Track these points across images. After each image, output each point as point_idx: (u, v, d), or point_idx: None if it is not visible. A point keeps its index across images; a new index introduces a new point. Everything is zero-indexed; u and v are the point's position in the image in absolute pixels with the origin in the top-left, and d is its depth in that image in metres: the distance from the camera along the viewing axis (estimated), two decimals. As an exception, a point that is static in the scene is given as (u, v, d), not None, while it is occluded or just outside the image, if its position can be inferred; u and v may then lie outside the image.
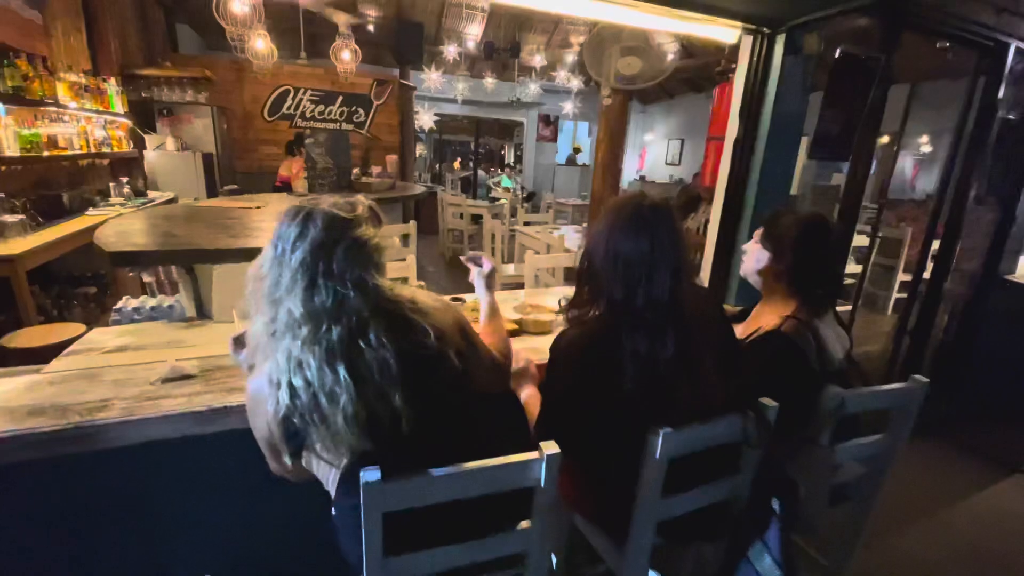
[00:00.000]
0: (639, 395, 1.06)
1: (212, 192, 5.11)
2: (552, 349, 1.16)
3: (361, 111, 6.88)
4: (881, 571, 1.90)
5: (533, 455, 0.94)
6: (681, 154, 10.26)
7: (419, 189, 4.54)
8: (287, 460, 0.93)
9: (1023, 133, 2.90)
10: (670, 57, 7.00)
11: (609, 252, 1.06)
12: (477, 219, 6.76)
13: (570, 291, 1.20)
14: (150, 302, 2.06)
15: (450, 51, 7.48)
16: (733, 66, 2.18)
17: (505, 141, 14.70)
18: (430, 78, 8.02)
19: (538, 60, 8.14)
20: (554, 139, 10.86)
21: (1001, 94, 2.66)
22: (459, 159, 14.26)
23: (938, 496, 2.36)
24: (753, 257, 1.45)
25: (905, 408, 1.40)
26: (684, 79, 9.25)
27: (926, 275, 3.04)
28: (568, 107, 8.97)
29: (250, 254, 1.65)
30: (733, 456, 1.16)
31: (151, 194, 4.55)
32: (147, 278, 2.49)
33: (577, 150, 11.62)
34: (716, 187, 2.20)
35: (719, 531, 1.18)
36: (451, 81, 8.19)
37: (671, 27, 1.90)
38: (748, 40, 1.95)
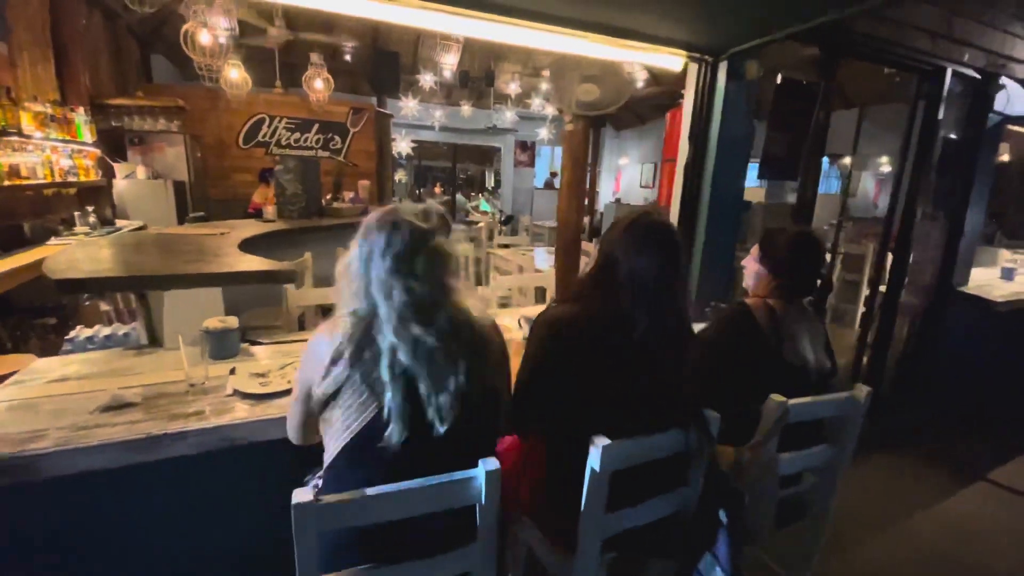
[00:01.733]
0: (605, 392, 1.11)
1: (183, 220, 5.07)
2: (539, 321, 1.21)
3: (337, 138, 6.94)
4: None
5: (472, 472, 0.94)
6: (655, 177, 10.51)
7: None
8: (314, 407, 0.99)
9: (965, 151, 3.06)
10: (639, 84, 7.23)
11: (622, 266, 1.13)
12: (454, 243, 6.81)
13: (532, 311, 1.24)
14: (104, 331, 2.02)
15: (426, 79, 7.64)
16: (683, 92, 2.28)
17: (484, 166, 14.93)
18: (407, 106, 8.16)
19: (512, 88, 8.36)
20: (531, 164, 11.05)
21: (941, 115, 2.81)
22: (439, 184, 14.39)
23: (905, 505, 2.39)
24: (749, 272, 1.59)
25: (850, 417, 1.44)
26: (655, 105, 9.55)
27: (883, 288, 3.15)
28: (544, 133, 9.17)
29: (200, 280, 1.65)
30: (679, 469, 1.17)
31: (120, 223, 4.49)
32: (105, 306, 2.45)
33: (555, 174, 11.83)
34: (671, 206, 2.27)
35: (669, 545, 1.18)
36: (428, 108, 8.33)
37: (621, 56, 1.99)
38: (694, 67, 2.04)
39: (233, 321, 1.59)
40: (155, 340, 1.72)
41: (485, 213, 8.97)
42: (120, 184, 4.84)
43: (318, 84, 4.62)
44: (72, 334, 2.00)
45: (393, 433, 0.91)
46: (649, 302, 1.11)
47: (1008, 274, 3.67)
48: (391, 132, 8.25)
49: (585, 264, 2.17)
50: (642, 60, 1.99)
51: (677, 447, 1.12)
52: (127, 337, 1.98)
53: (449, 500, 0.95)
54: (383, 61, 7.45)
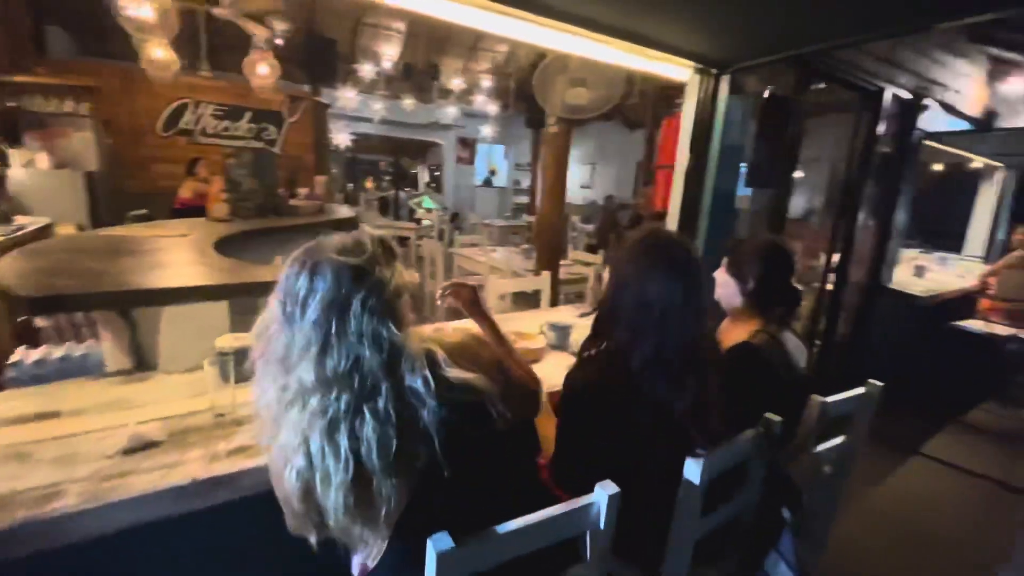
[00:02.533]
0: (653, 437, 1.07)
1: (96, 217, 4.45)
2: (567, 388, 1.14)
3: (272, 128, 6.43)
4: (836, 563, 2.08)
5: (590, 498, 0.91)
6: (592, 177, 10.86)
7: (348, 212, 4.33)
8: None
9: (894, 162, 3.45)
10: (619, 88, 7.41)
11: (641, 295, 1.06)
12: (403, 242, 6.59)
13: (549, 316, 1.18)
14: (56, 352, 1.72)
15: (365, 69, 7.30)
16: (678, 102, 2.37)
17: (418, 161, 14.56)
18: (345, 96, 7.76)
19: (456, 83, 8.23)
20: (472, 161, 10.96)
21: (881, 129, 3.15)
22: (371, 178, 13.84)
23: (857, 482, 2.66)
24: (720, 284, 1.55)
25: (865, 409, 1.57)
26: (594, 107, 9.85)
27: (829, 287, 3.48)
28: (487, 130, 9.12)
29: (207, 293, 1.46)
30: (741, 474, 1.22)
31: (19, 219, 3.84)
32: (43, 322, 2.08)
33: (493, 172, 11.83)
34: (669, 211, 2.35)
35: (736, 546, 1.23)
36: (367, 100, 7.97)
37: (632, 62, 2.01)
38: (696, 79, 2.13)
39: (246, 340, 1.42)
40: (143, 364, 1.49)
41: (430, 211, 8.76)
42: (17, 175, 4.14)
43: (262, 70, 4.23)
44: (15, 357, 1.68)
45: None
46: (674, 335, 1.05)
47: (920, 272, 4.21)
48: (328, 124, 7.80)
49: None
50: (650, 68, 2.03)
51: (750, 451, 1.16)
52: (85, 359, 1.70)
53: (571, 528, 0.91)
54: (319, 48, 7.01)
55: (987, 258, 5.38)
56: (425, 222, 7.03)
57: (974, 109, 3.87)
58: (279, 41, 6.93)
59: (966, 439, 3.25)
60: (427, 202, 9.25)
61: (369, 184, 13.39)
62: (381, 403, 0.76)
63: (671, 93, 6.07)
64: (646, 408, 1.05)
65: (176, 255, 1.92)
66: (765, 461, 1.21)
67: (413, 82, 7.90)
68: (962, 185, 6.07)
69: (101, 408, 1.24)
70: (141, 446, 1.08)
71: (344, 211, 4.42)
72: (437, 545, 0.75)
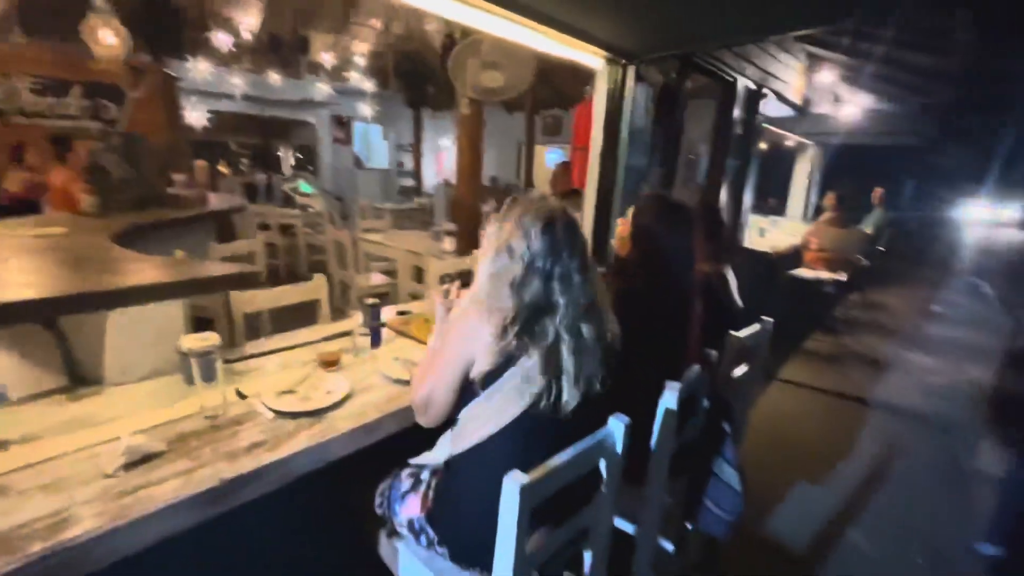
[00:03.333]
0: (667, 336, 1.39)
1: None
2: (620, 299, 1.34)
3: (111, 105, 5.48)
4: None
5: (611, 427, 1.09)
6: (476, 157, 11.00)
7: (235, 200, 3.94)
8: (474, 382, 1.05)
9: (744, 141, 4.13)
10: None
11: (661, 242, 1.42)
12: (286, 231, 6.13)
13: None
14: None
15: (221, 39, 6.51)
16: (588, 89, 2.60)
17: (282, 142, 13.33)
18: (197, 69, 6.85)
19: (327, 59, 7.70)
20: (349, 142, 10.39)
21: (736, 115, 3.75)
22: (223, 162, 12.36)
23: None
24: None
25: (763, 342, 1.98)
26: (473, 87, 9.92)
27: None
28: (365, 109, 8.71)
29: (155, 293, 1.34)
30: (693, 400, 1.50)
31: None
32: None
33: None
34: (587, 189, 2.60)
35: (696, 456, 1.52)
36: (226, 75, 7.11)
37: (550, 48, 2.16)
38: (607, 69, 2.36)
39: (215, 338, 1.33)
40: (79, 379, 1.31)
41: (307, 195, 8.16)
42: None
43: (108, 38, 3.58)
44: None
45: (567, 404, 1.03)
46: (684, 268, 1.39)
47: (762, 233, 5.11)
48: (179, 100, 6.82)
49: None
50: (565, 54, 2.21)
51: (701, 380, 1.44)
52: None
53: (598, 458, 1.07)
54: (161, 12, 6.06)
55: (806, 219, 6.66)
56: (313, 208, 6.57)
57: (796, 96, 4.74)
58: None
59: (808, 363, 4.10)
60: (304, 186, 8.59)
61: (223, 168, 11.97)
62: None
63: (551, 79, 6.40)
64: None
65: (81, 256, 1.66)
66: (709, 386, 1.51)
67: (280, 56, 7.22)
68: (782, 159, 7.40)
69: (60, 430, 1.09)
70: (141, 459, 1.00)
71: (235, 200, 4.02)
72: (513, 481, 0.86)
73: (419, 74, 9.22)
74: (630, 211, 1.78)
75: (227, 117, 9.05)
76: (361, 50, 7.90)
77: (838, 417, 3.27)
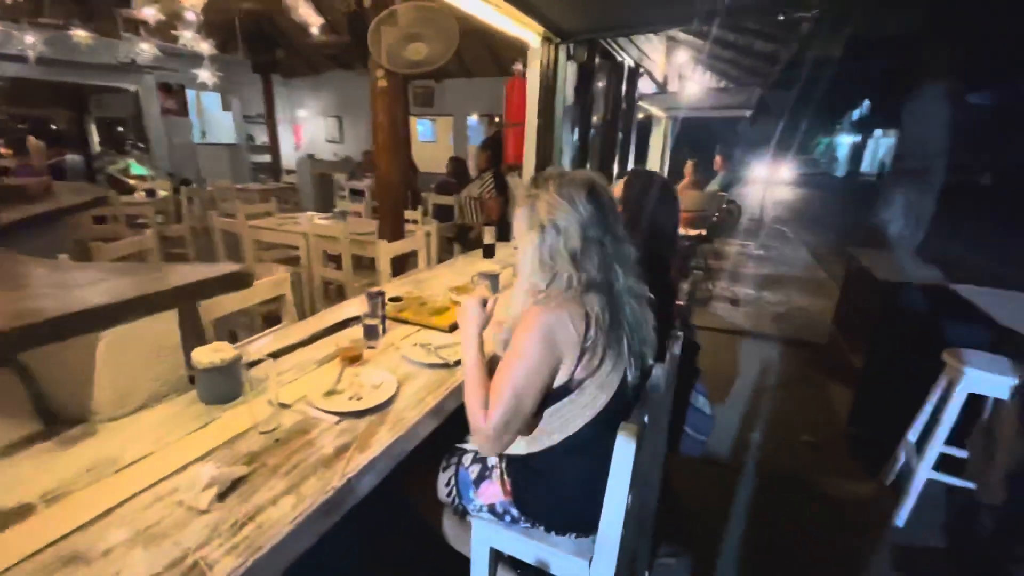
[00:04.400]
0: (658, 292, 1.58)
1: None
2: None
3: None
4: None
5: (654, 380, 1.26)
6: (341, 131, 10.23)
7: (92, 190, 3.24)
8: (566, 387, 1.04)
9: (627, 115, 4.58)
10: (315, 31, 6.82)
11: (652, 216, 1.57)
12: (134, 223, 5.15)
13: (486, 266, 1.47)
14: None
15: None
16: (518, 64, 2.67)
17: (83, 114, 10.88)
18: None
19: (150, 14, 6.44)
20: (184, 113, 8.88)
21: (624, 92, 4.13)
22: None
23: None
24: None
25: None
26: (330, 56, 9.12)
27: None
28: (205, 75, 7.49)
29: (151, 304, 1.16)
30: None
31: None
32: None
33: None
34: (524, 164, 2.70)
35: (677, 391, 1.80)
36: (13, 32, 5.53)
37: (488, 16, 2.19)
38: (540, 46, 2.46)
39: (227, 347, 1.19)
40: (55, 420, 1.08)
41: (143, 178, 6.87)
42: None
43: None
44: None
45: (631, 386, 1.12)
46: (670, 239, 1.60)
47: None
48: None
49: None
50: (504, 27, 2.26)
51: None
52: None
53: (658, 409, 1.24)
54: None
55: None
56: (162, 194, 5.58)
57: (659, 75, 5.35)
58: None
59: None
60: (136, 167, 7.19)
61: (5, 151, 9.44)
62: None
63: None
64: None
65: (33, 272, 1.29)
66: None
67: (88, 7, 5.85)
68: (644, 132, 8.26)
69: (86, 480, 0.92)
70: (229, 485, 0.90)
71: (96, 190, 3.26)
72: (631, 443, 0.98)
73: (267, 37, 8.21)
74: (619, 183, 1.98)
75: (18, 84, 7.07)
76: (194, 4, 6.78)
77: (722, 348, 3.94)
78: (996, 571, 1.86)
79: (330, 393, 1.21)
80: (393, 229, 3.19)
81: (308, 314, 1.91)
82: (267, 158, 9.18)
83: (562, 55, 2.49)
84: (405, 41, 2.68)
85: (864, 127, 23.29)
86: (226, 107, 9.74)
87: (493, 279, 2.05)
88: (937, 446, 2.08)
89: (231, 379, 1.16)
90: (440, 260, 3.18)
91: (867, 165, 23.24)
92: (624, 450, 0.98)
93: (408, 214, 3.58)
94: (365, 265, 3.57)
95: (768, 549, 1.97)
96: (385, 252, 2.38)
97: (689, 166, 6.00)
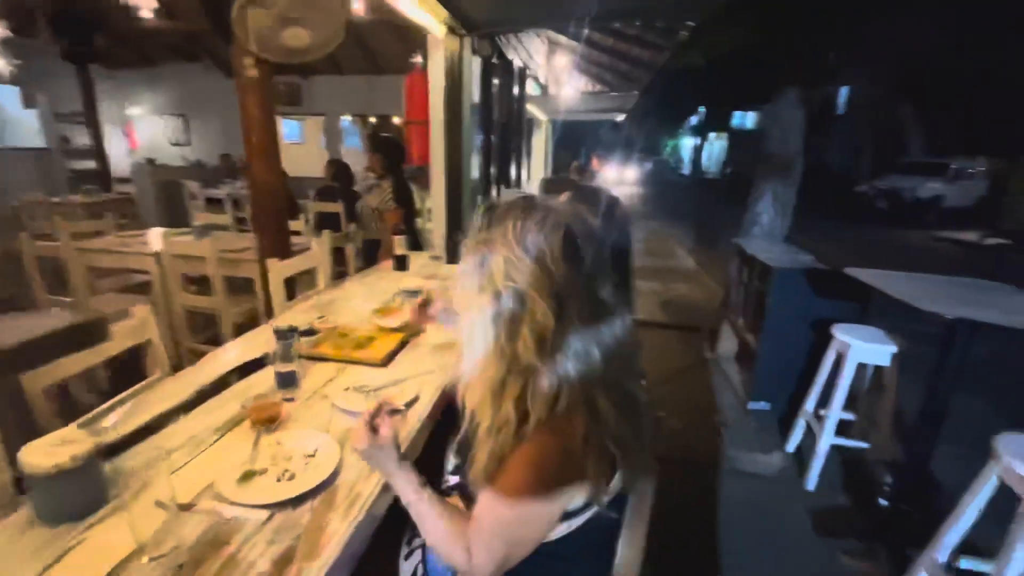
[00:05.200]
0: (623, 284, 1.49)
1: None
2: None
3: None
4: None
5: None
6: (187, 131, 8.86)
7: None
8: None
9: (517, 114, 4.53)
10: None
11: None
12: None
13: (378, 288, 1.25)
14: None
15: None
16: (416, 57, 2.44)
17: None
18: None
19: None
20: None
21: (516, 93, 4.07)
22: None
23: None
24: None
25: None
26: (169, 45, 7.85)
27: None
28: (-6, 63, 5.95)
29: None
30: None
31: None
32: None
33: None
34: (433, 164, 2.48)
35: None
36: None
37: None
38: (446, 38, 2.25)
39: (80, 436, 0.82)
40: None
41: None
42: None
43: None
44: None
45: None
46: None
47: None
48: None
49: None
50: (407, 12, 2.03)
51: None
52: None
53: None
54: None
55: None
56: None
57: (542, 78, 5.42)
58: None
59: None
60: None
61: None
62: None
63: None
64: None
65: None
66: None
67: None
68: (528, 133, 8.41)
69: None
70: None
71: None
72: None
73: (81, 18, 6.74)
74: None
75: None
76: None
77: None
78: (898, 515, 2.09)
79: (247, 476, 0.89)
80: (277, 244, 2.73)
81: (176, 357, 1.50)
82: (91, 164, 7.58)
83: (467, 48, 2.31)
84: (280, 25, 2.29)
85: (700, 131, 26.47)
86: (29, 104, 7.89)
87: (414, 294, 1.81)
88: (836, 413, 2.29)
89: (90, 482, 0.80)
90: (336, 277, 2.81)
91: (705, 163, 26.47)
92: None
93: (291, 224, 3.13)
94: (239, 288, 3.04)
95: (699, 532, 2.00)
96: (278, 273, 1.99)
97: (574, 167, 6.19)
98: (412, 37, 4.00)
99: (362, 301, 1.91)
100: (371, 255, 3.14)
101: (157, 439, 1.01)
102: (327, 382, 1.28)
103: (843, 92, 15.95)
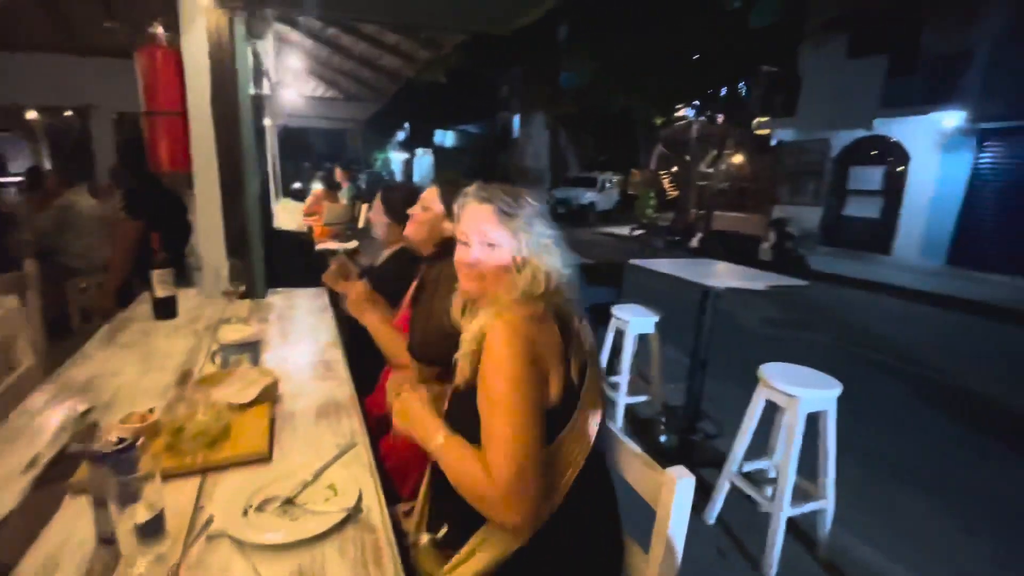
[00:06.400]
0: None
1: None
2: None
3: None
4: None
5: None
6: None
7: None
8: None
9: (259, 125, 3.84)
10: None
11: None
12: None
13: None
14: None
15: None
16: (156, 27, 1.78)
17: None
18: None
19: None
20: None
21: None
22: None
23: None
24: (382, 224, 1.92)
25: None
26: None
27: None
28: None
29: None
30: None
31: None
32: None
33: None
34: (195, 173, 1.87)
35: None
36: None
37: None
38: (213, 13, 1.70)
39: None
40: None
41: None
42: None
43: None
44: None
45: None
46: None
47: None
48: None
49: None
50: None
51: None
52: None
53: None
54: None
55: (277, 197, 6.84)
56: None
57: (272, 76, 4.71)
58: None
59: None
60: None
61: None
62: None
63: None
64: None
65: None
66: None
67: None
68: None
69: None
70: None
71: None
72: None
73: None
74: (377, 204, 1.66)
75: None
76: None
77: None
78: (686, 446, 2.66)
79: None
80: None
81: None
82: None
83: (240, 29, 1.81)
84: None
85: (408, 147, 27.66)
86: None
87: (252, 349, 1.35)
88: (626, 376, 2.80)
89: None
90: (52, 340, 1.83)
91: (417, 178, 27.92)
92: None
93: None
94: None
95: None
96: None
97: (340, 175, 5.71)
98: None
99: (146, 378, 1.27)
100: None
101: None
102: (196, 511, 0.81)
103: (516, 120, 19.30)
